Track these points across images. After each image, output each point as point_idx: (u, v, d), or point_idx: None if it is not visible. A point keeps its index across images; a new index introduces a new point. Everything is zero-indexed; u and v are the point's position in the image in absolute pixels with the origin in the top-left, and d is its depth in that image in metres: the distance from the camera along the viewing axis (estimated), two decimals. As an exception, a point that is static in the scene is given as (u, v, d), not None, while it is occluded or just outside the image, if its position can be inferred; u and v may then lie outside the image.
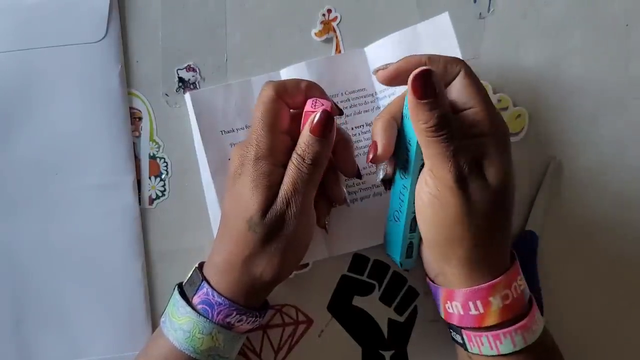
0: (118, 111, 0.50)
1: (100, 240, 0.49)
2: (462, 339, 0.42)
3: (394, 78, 0.43)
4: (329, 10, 0.52)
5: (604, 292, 0.52)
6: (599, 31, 0.53)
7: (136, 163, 0.50)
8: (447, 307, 0.42)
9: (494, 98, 0.52)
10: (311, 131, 0.41)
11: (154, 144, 0.51)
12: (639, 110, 0.53)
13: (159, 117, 0.51)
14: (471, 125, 0.40)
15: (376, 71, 0.43)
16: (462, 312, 0.41)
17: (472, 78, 0.41)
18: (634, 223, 0.52)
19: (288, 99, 0.42)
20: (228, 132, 0.49)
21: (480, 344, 0.41)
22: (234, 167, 0.42)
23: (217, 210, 0.48)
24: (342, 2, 0.52)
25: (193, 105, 0.49)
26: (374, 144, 0.42)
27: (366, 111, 0.51)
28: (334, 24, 0.52)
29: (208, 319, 0.41)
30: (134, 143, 0.50)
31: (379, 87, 0.51)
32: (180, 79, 0.51)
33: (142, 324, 0.49)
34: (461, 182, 0.38)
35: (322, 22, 0.52)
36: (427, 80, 0.38)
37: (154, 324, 0.49)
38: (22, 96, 0.49)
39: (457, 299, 0.41)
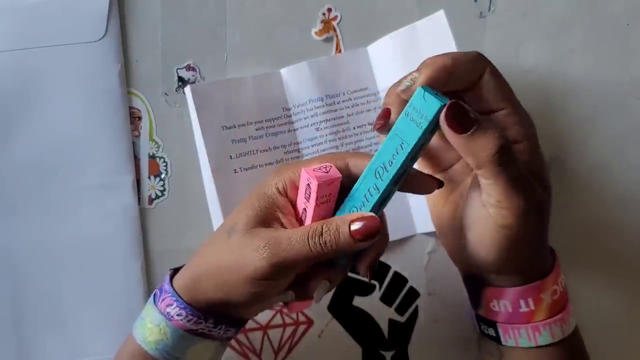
0: (117, 111, 0.50)
1: (100, 240, 0.49)
2: (497, 332, 0.42)
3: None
4: (329, 10, 0.52)
5: (604, 291, 0.52)
6: (600, 31, 0.53)
7: (136, 163, 0.50)
8: (492, 306, 0.41)
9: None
10: (352, 234, 0.35)
11: (154, 143, 0.51)
12: (640, 110, 0.53)
13: (159, 117, 0.51)
14: (504, 128, 0.38)
15: (401, 91, 0.39)
16: (510, 310, 0.40)
17: (499, 77, 0.39)
18: (635, 223, 0.52)
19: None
20: (229, 127, 0.49)
21: (518, 335, 0.41)
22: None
23: (217, 206, 0.48)
24: (342, 1, 0.52)
25: (193, 100, 0.49)
26: (387, 110, 0.38)
27: (368, 110, 0.51)
28: (334, 23, 0.52)
29: (155, 305, 0.40)
30: (133, 143, 0.50)
31: (381, 86, 0.51)
32: (180, 79, 0.51)
33: (142, 324, 0.49)
34: (539, 209, 0.37)
35: (322, 21, 0.52)
36: (459, 111, 0.35)
37: (154, 324, 0.49)
38: (21, 96, 0.49)
39: (506, 297, 0.40)
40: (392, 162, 0.36)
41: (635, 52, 0.53)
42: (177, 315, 0.39)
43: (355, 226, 0.35)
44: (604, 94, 0.53)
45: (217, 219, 0.49)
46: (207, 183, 0.49)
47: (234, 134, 0.49)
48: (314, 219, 0.37)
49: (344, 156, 0.38)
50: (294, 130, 0.51)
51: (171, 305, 0.39)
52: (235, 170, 0.49)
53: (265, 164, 0.50)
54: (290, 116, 0.51)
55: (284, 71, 0.51)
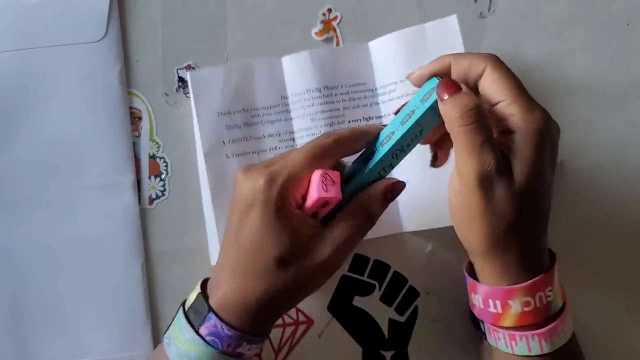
0: (118, 111, 0.50)
1: (100, 240, 0.49)
2: (484, 328, 0.43)
3: (426, 79, 0.42)
4: (329, 10, 0.52)
5: (604, 291, 0.52)
6: (600, 31, 0.53)
7: (136, 163, 0.50)
8: (472, 297, 0.42)
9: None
10: (386, 199, 0.41)
11: (154, 143, 0.51)
12: (640, 110, 0.53)
13: (159, 117, 0.51)
14: (501, 119, 0.39)
15: (408, 76, 0.43)
16: (482, 307, 0.41)
17: (501, 71, 0.39)
18: (635, 222, 0.52)
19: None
20: (224, 113, 0.49)
21: (497, 338, 0.41)
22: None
23: (207, 191, 0.48)
24: (343, 1, 0.52)
25: (192, 86, 0.49)
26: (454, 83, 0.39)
27: (365, 106, 0.51)
28: (334, 23, 0.52)
29: (217, 349, 0.39)
30: (133, 143, 0.50)
31: (380, 82, 0.51)
32: (180, 79, 0.51)
33: (142, 324, 0.49)
34: (484, 180, 0.37)
35: (322, 22, 0.52)
36: (447, 80, 0.39)
37: (154, 325, 0.49)
38: (22, 96, 0.49)
39: (479, 293, 0.41)
40: (374, 153, 0.41)
41: (636, 52, 0.53)
42: (248, 350, 0.40)
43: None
44: (604, 93, 0.53)
45: (207, 205, 0.49)
46: (201, 168, 0.49)
47: (228, 120, 0.49)
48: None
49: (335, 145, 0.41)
50: (290, 119, 0.51)
51: (241, 345, 0.39)
52: (227, 155, 0.49)
53: (259, 151, 0.50)
54: (287, 105, 0.51)
55: (285, 59, 0.51)
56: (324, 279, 0.40)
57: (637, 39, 0.53)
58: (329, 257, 0.39)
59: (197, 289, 0.41)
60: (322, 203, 0.39)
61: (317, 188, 0.38)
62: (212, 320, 0.39)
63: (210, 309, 0.39)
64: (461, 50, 0.48)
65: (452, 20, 0.49)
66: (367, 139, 0.41)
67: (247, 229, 0.38)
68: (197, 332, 0.39)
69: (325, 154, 0.39)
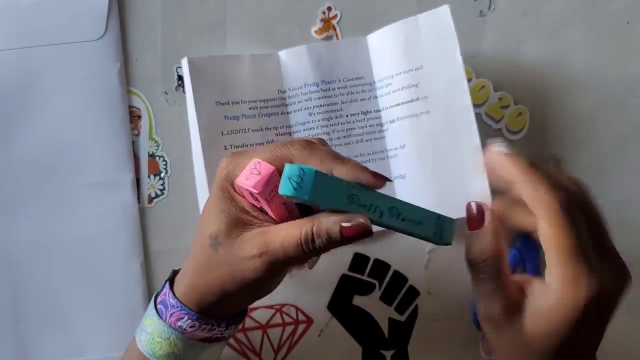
0: (117, 109, 0.50)
1: (100, 238, 0.49)
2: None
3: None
4: (329, 8, 0.52)
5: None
6: (600, 29, 0.53)
7: (135, 161, 0.50)
8: None
9: (494, 96, 0.52)
10: (344, 232, 0.34)
11: (153, 142, 0.51)
12: (640, 109, 0.53)
13: (158, 116, 0.51)
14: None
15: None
16: None
17: (557, 227, 0.34)
18: (635, 222, 0.52)
19: None
20: (223, 103, 0.49)
21: None
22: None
23: (204, 181, 0.47)
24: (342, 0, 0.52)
25: (190, 72, 0.47)
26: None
27: (363, 100, 0.51)
28: (334, 22, 0.52)
29: (162, 320, 0.39)
30: (133, 141, 0.50)
31: (378, 76, 0.51)
32: (180, 77, 0.51)
33: (141, 323, 0.49)
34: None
35: (322, 20, 0.52)
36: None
37: (153, 323, 0.49)
38: (21, 95, 0.49)
39: None
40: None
41: (636, 51, 0.53)
42: (190, 327, 0.39)
43: (346, 225, 0.34)
44: (604, 92, 0.53)
45: (202, 195, 0.48)
46: (195, 157, 0.49)
47: (227, 110, 0.48)
48: (276, 214, 0.37)
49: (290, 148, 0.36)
50: (287, 113, 0.50)
51: (182, 318, 0.39)
52: (225, 146, 0.48)
53: (256, 144, 0.49)
54: (284, 99, 0.50)
55: (282, 53, 0.50)
56: (256, 281, 0.36)
57: (637, 38, 0.53)
58: (253, 259, 0.35)
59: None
60: (249, 193, 0.36)
61: (241, 175, 0.35)
62: (165, 289, 0.40)
63: (169, 278, 0.40)
64: (455, 40, 0.47)
65: (445, 11, 0.48)
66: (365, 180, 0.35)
67: (205, 206, 0.39)
68: (155, 305, 0.40)
69: (283, 159, 0.36)
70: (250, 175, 0.35)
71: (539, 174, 0.35)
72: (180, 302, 0.39)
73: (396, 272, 0.51)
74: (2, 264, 0.48)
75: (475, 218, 0.36)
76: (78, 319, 0.49)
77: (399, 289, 0.51)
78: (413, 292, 0.51)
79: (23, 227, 0.49)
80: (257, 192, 0.35)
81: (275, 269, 0.36)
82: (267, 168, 0.35)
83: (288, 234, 0.35)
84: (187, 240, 0.50)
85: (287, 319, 0.51)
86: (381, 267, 0.51)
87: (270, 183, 0.35)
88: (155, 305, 0.40)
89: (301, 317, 0.51)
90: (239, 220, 0.37)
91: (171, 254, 0.50)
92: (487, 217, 0.36)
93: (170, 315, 0.39)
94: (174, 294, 0.39)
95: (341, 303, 0.51)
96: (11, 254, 0.49)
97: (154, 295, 0.41)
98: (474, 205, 0.37)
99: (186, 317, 0.39)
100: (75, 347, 0.48)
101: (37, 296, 0.48)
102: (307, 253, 0.35)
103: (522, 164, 0.36)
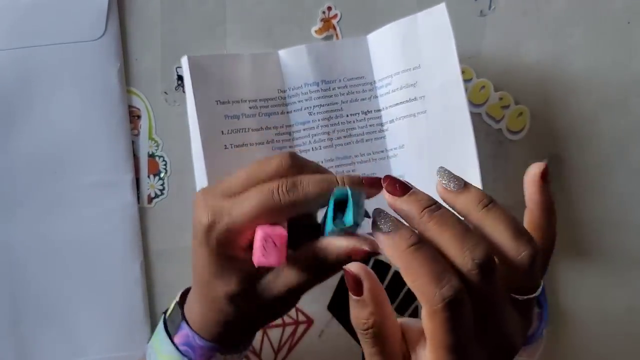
0: (117, 109, 0.50)
1: (99, 239, 0.49)
2: None
3: None
4: (329, 8, 0.52)
5: (604, 290, 0.52)
6: (601, 29, 0.53)
7: (135, 161, 0.50)
8: None
9: (495, 96, 0.52)
10: (351, 290, 0.33)
11: (153, 142, 0.50)
12: (641, 109, 0.53)
13: (158, 115, 0.51)
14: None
15: None
16: None
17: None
18: (635, 221, 0.52)
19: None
20: (223, 102, 0.48)
21: None
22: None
23: (204, 182, 0.46)
24: (342, -1, 0.52)
25: (190, 70, 0.47)
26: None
27: (363, 99, 0.51)
28: (334, 21, 0.52)
29: (179, 352, 0.39)
30: (132, 141, 0.50)
31: (378, 75, 0.51)
32: (180, 77, 0.51)
33: (141, 323, 0.49)
34: None
35: (322, 20, 0.52)
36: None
37: (153, 324, 0.49)
38: (21, 95, 0.49)
39: None
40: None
41: (636, 51, 0.53)
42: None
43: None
44: (605, 92, 0.53)
45: (202, 185, 0.48)
46: (195, 157, 0.48)
47: (227, 109, 0.48)
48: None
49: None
50: (287, 112, 0.50)
51: (213, 357, 0.39)
52: (225, 146, 0.48)
53: (257, 143, 0.49)
54: (284, 98, 0.50)
55: (282, 52, 0.50)
56: (283, 310, 0.40)
57: (637, 37, 0.53)
58: (280, 297, 0.36)
59: (177, 298, 0.41)
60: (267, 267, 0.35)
61: (257, 253, 0.33)
62: (185, 330, 0.39)
63: (183, 318, 0.39)
64: (451, 39, 0.46)
65: (442, 9, 0.48)
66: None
67: (199, 262, 0.37)
68: (172, 342, 0.39)
69: (275, 213, 0.35)
70: (266, 252, 0.33)
71: (421, 259, 0.33)
72: (209, 342, 0.39)
73: (396, 273, 0.51)
74: (2, 263, 0.48)
75: (352, 287, 0.33)
76: (78, 319, 0.48)
77: (399, 289, 0.51)
78: (413, 293, 0.51)
79: (22, 227, 0.49)
80: (281, 263, 0.33)
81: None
82: (279, 235, 0.34)
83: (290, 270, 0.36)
84: (187, 240, 0.49)
85: (287, 319, 0.50)
86: (381, 267, 0.51)
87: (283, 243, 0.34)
88: (172, 340, 0.39)
89: (301, 318, 0.51)
90: (248, 276, 0.36)
91: (171, 254, 0.50)
92: (366, 286, 0.33)
93: (201, 355, 0.39)
94: (199, 336, 0.39)
95: (341, 303, 0.51)
96: (10, 254, 0.48)
97: (162, 321, 0.41)
98: (350, 275, 0.32)
99: (218, 354, 0.39)
100: (75, 347, 0.48)
101: (37, 296, 0.48)
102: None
103: (403, 243, 0.33)
